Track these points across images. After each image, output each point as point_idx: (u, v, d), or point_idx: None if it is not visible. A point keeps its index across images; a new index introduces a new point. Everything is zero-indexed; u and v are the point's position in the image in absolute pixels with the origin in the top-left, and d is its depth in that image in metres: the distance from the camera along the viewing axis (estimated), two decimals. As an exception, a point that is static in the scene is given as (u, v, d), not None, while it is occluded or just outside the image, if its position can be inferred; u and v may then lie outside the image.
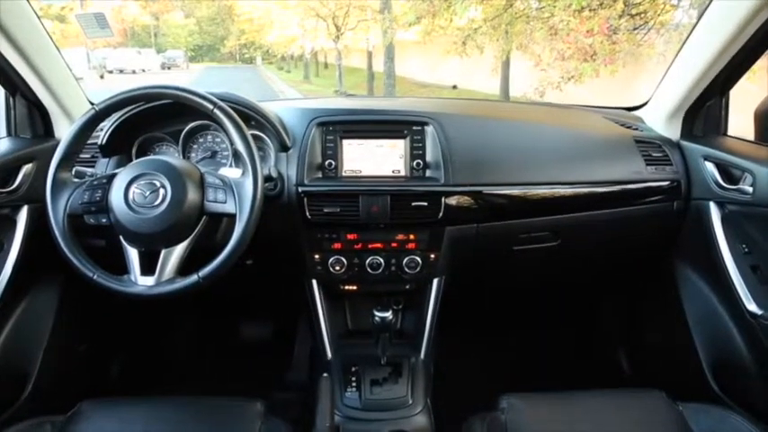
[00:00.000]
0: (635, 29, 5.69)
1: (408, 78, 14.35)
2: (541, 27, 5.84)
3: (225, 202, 1.31)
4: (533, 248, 1.69)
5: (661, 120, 1.83)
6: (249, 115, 1.56)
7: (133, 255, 1.31)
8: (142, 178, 1.30)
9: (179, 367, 2.23)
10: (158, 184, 1.29)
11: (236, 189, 1.32)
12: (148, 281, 1.29)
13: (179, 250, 1.30)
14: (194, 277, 1.28)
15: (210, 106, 1.33)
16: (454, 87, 12.96)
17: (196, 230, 1.32)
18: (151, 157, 1.40)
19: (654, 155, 1.72)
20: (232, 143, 1.34)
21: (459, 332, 1.95)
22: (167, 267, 1.29)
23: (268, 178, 1.44)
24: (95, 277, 1.29)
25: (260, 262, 1.66)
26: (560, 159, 1.66)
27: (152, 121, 1.62)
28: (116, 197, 1.29)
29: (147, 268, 1.30)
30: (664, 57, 5.09)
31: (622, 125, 1.86)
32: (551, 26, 5.65)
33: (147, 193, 1.28)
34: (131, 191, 1.29)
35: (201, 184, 1.33)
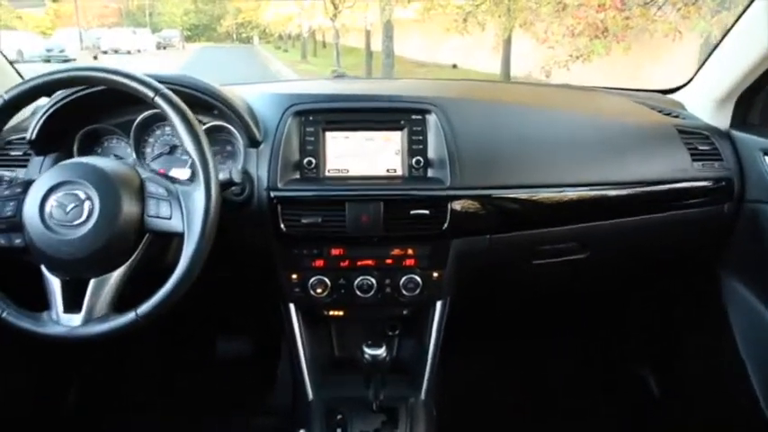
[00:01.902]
0: (646, 2, 5.33)
1: (406, 58, 14.00)
2: (548, 2, 5.50)
3: (170, 218, 1.03)
4: (556, 262, 1.41)
5: (707, 105, 1.54)
6: (210, 103, 1.27)
7: (55, 285, 1.03)
8: (62, 188, 1.01)
9: (143, 391, 1.97)
10: (83, 195, 1.01)
11: (183, 200, 1.03)
12: (73, 319, 1.01)
13: (114, 279, 1.03)
14: (131, 315, 1.00)
15: (151, 93, 1.04)
16: (454, 66, 12.64)
17: (136, 253, 1.05)
18: (75, 159, 1.11)
19: (700, 148, 1.43)
20: (179, 141, 1.05)
21: (465, 355, 1.67)
22: (98, 301, 1.02)
23: (228, 183, 1.15)
24: (4, 315, 1.01)
25: (232, 275, 1.39)
26: (590, 154, 1.38)
27: (97, 108, 1.33)
28: (30, 212, 1.01)
29: (73, 302, 1.02)
30: (680, 33, 4.77)
31: (659, 111, 1.57)
32: (559, 0, 5.31)
33: (69, 207, 1.00)
34: (49, 204, 1.01)
35: (141, 194, 1.05)
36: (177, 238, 1.05)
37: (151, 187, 1.05)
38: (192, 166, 1.03)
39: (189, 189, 1.04)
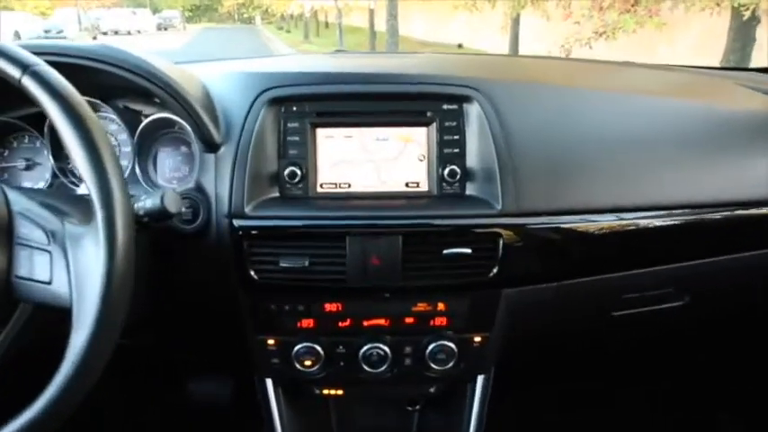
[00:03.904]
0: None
1: (410, 37, 13.57)
2: (570, -27, 5.03)
3: (49, 282, 0.62)
4: (643, 312, 1.00)
5: None
6: (147, 89, 0.85)
7: None
8: None
9: None
10: None
11: (71, 253, 0.62)
12: None
13: None
14: None
15: (17, 72, 0.62)
16: (459, 46, 12.25)
17: (3, 334, 0.64)
18: None
19: None
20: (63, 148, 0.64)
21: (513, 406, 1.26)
22: None
23: (159, 214, 0.73)
24: None
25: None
26: (701, 161, 0.96)
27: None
28: None
29: None
30: (718, 6, 4.29)
31: None
32: (583, -29, 4.84)
33: None
34: None
35: (8, 240, 0.63)
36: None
37: (23, 228, 0.64)
38: (89, 196, 0.62)
39: (80, 232, 0.62)
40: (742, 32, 4.40)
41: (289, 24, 26.03)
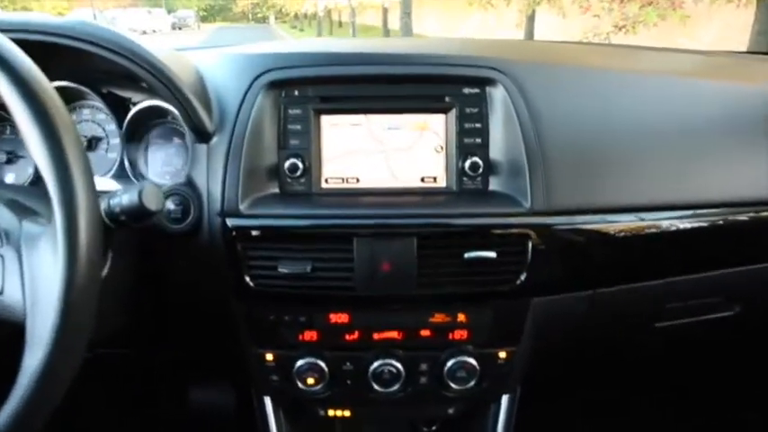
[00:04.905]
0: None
1: (423, 35, 13.56)
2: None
3: (0, 292, 0.53)
4: (689, 323, 0.89)
5: None
6: (130, 70, 0.75)
7: None
8: None
9: None
10: None
11: (26, 256, 0.52)
12: None
13: None
14: None
15: None
16: (474, 44, 12.21)
17: None
18: None
19: None
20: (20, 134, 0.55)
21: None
22: None
23: (137, 212, 0.63)
24: None
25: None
26: (759, 152, 0.85)
27: None
28: None
29: None
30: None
31: None
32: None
33: None
34: None
35: None
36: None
37: None
38: (49, 193, 0.52)
39: (37, 232, 0.53)
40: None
41: (302, 23, 26.13)
